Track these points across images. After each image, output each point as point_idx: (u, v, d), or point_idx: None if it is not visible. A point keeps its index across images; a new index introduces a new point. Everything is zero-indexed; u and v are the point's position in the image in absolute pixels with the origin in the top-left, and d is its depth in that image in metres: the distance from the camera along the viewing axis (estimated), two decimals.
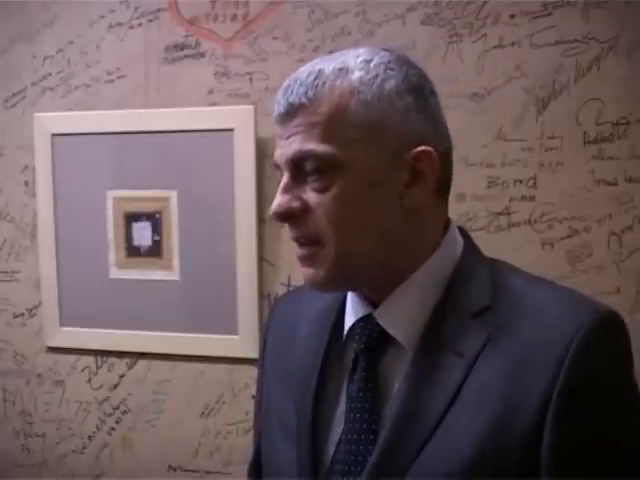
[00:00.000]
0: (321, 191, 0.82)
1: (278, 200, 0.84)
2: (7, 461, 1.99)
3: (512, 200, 1.59)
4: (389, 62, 0.84)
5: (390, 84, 0.82)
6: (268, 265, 1.75)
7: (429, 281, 0.86)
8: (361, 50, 0.86)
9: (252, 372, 1.74)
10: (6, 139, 1.93)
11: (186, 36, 1.77)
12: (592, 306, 0.82)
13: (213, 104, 1.75)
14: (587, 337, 0.77)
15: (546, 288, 0.87)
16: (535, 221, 1.58)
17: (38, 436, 1.96)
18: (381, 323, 0.86)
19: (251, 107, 1.70)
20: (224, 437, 1.81)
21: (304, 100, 0.82)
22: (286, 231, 1.70)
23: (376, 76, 0.82)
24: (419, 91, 0.85)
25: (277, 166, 0.87)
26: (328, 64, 0.84)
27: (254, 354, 1.73)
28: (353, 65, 0.83)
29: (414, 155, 0.83)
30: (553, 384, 0.76)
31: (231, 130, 1.71)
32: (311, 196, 0.83)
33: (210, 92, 1.76)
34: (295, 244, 0.87)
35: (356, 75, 0.82)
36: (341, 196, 0.82)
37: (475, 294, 0.84)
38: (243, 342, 1.75)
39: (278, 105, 0.84)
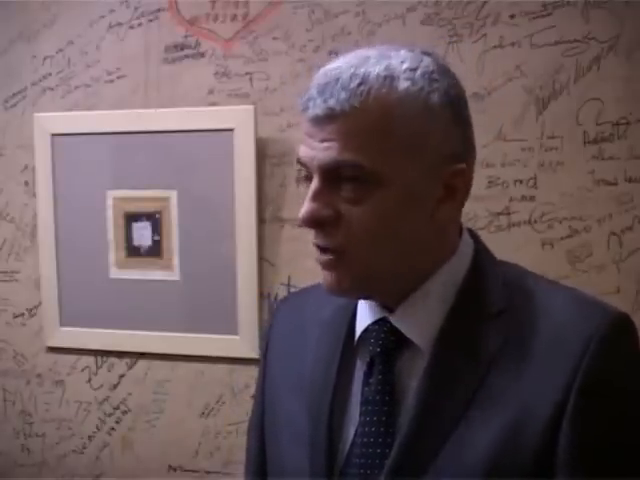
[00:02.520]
0: (355, 202, 0.80)
1: (308, 206, 0.81)
2: (7, 461, 1.99)
3: (512, 200, 1.59)
4: (432, 72, 0.81)
5: (434, 98, 0.80)
6: (268, 265, 1.75)
7: (445, 285, 0.86)
8: (404, 53, 0.82)
9: (252, 372, 1.73)
10: (6, 139, 1.93)
11: (186, 36, 1.77)
12: (605, 308, 0.83)
13: (213, 104, 1.75)
14: (604, 337, 0.78)
15: (558, 290, 0.88)
16: (535, 221, 1.58)
17: (38, 436, 1.96)
18: (398, 326, 0.85)
19: (251, 107, 1.70)
20: (224, 437, 1.81)
21: (346, 107, 0.78)
22: (286, 231, 1.73)
23: (421, 88, 0.79)
24: (457, 105, 0.83)
25: (301, 164, 0.84)
26: (372, 67, 0.79)
27: (254, 354, 1.73)
28: (398, 72, 0.79)
29: (451, 172, 0.82)
30: (571, 384, 0.77)
31: (231, 130, 1.71)
32: (343, 206, 0.80)
33: (210, 92, 1.76)
34: (315, 249, 0.85)
35: (402, 86, 0.79)
36: (376, 209, 0.79)
37: (489, 297, 0.85)
38: (243, 342, 1.76)
39: (313, 105, 0.80)
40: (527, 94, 1.56)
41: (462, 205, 0.86)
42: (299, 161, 0.84)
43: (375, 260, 0.82)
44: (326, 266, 0.84)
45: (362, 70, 0.79)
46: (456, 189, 0.84)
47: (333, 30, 1.66)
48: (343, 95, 0.78)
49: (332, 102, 0.78)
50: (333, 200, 0.81)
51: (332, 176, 0.80)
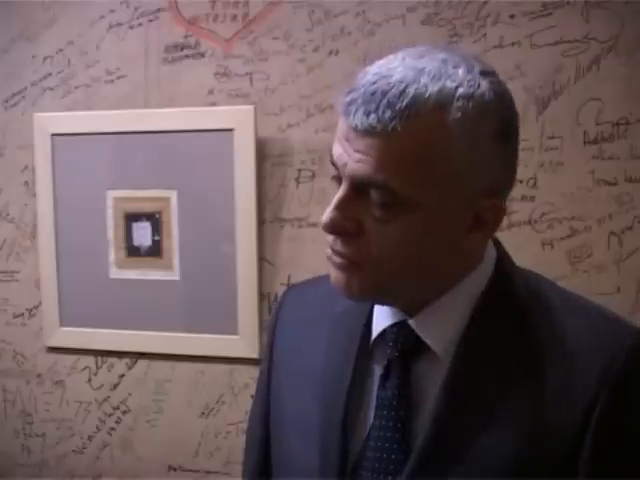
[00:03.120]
0: (380, 221, 0.77)
1: (332, 215, 0.78)
2: (7, 461, 1.99)
3: (512, 200, 1.58)
4: (488, 102, 0.76)
5: (483, 131, 0.75)
6: (268, 265, 1.75)
7: (468, 294, 0.85)
8: (462, 74, 0.75)
9: (252, 372, 1.74)
10: (6, 139, 1.93)
11: (186, 36, 1.77)
12: (627, 324, 0.83)
13: (213, 104, 1.75)
14: (628, 355, 0.78)
15: (582, 303, 0.87)
16: (535, 221, 1.58)
17: (38, 436, 1.96)
18: (418, 332, 0.84)
19: (251, 107, 1.70)
20: (224, 437, 1.81)
21: (388, 129, 0.73)
22: (286, 231, 1.73)
23: (472, 121, 0.74)
24: (507, 137, 0.79)
25: (332, 163, 0.80)
26: (424, 88, 0.73)
27: (254, 354, 1.73)
28: (451, 99, 0.73)
29: (485, 206, 0.80)
30: (595, 401, 0.76)
31: (231, 130, 1.71)
32: (368, 221, 0.78)
33: (210, 92, 1.76)
34: (328, 249, 0.83)
35: (453, 116, 0.73)
36: (400, 232, 0.77)
37: (510, 306, 0.84)
38: (243, 342, 1.75)
39: (354, 113, 0.75)
40: (527, 94, 1.56)
41: (490, 236, 0.85)
42: (331, 162, 0.81)
43: (391, 278, 0.80)
44: (339, 268, 0.81)
45: (413, 89, 0.73)
46: (486, 222, 0.81)
47: (333, 30, 1.66)
48: (388, 114, 0.73)
49: (374, 119, 0.73)
50: (358, 212, 0.78)
51: (361, 187, 0.77)
